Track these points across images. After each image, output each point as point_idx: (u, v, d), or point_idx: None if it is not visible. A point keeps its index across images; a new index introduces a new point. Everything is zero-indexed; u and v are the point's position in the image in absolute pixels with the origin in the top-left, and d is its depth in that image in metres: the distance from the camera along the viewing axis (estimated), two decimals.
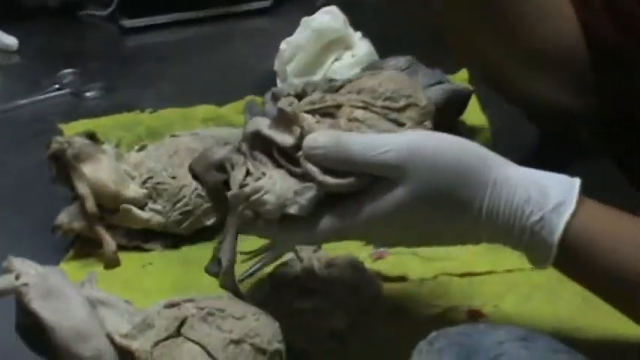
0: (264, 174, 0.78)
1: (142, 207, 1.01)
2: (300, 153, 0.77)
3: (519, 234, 0.74)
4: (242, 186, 0.78)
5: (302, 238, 0.79)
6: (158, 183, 1.02)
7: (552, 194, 0.73)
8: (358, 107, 0.80)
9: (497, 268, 0.93)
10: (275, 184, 0.76)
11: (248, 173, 0.78)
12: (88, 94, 1.40)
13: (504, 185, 0.74)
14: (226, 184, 0.80)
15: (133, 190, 1.01)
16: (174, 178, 1.01)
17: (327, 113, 0.80)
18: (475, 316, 0.87)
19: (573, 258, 0.74)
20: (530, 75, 1.06)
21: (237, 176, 0.78)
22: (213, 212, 1.01)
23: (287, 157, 0.78)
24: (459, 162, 0.74)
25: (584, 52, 1.04)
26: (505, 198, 0.74)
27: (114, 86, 1.42)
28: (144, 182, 1.02)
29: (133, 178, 1.02)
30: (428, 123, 0.82)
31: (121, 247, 1.01)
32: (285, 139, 0.78)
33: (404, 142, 0.75)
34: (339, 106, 0.80)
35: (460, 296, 0.90)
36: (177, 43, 1.58)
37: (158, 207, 1.01)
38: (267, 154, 0.79)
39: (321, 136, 0.76)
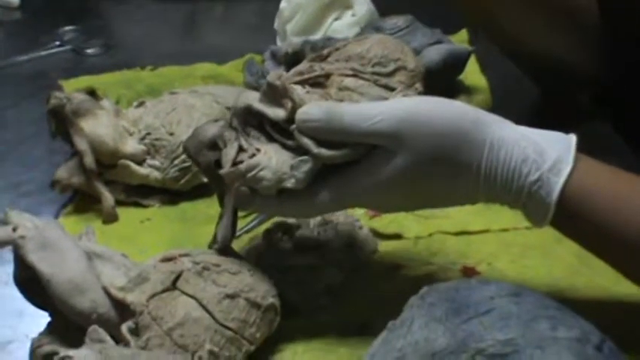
0: (258, 150, 0.77)
1: (140, 163, 1.01)
2: (294, 126, 0.76)
3: (517, 194, 0.74)
4: (236, 163, 0.77)
5: (301, 211, 0.80)
6: (156, 139, 1.02)
7: (549, 153, 0.73)
8: (348, 75, 0.79)
9: (492, 227, 0.93)
10: (271, 160, 0.76)
11: (241, 149, 0.78)
12: (88, 50, 1.40)
13: (501, 146, 0.74)
14: (219, 163, 0.79)
15: (132, 146, 1.01)
16: (172, 134, 1.01)
17: (317, 83, 0.79)
18: (469, 274, 0.88)
19: (571, 216, 0.74)
20: (536, 26, 1.05)
21: (229, 153, 0.78)
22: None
23: (280, 131, 0.78)
24: (455, 125, 0.74)
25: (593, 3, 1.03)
26: (502, 159, 0.73)
27: (115, 43, 1.42)
28: (142, 138, 1.02)
29: (131, 134, 1.02)
30: (419, 85, 0.81)
31: (120, 203, 1.01)
32: (277, 112, 0.77)
33: (397, 109, 0.74)
34: (328, 76, 0.80)
35: (455, 254, 0.90)
36: (178, 1, 1.58)
37: (156, 163, 1.01)
38: (259, 129, 0.79)
39: (313, 109, 0.76)
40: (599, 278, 0.84)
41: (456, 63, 1.17)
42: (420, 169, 0.74)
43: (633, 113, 1.07)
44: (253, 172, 0.77)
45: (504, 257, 0.89)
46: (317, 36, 1.27)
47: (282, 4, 1.33)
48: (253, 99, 0.79)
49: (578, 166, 0.73)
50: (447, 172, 0.75)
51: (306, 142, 0.76)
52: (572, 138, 0.75)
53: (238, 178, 0.77)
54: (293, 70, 0.81)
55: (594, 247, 0.77)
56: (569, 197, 0.73)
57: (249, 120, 0.79)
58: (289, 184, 0.76)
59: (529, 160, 0.73)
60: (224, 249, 0.81)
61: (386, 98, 0.79)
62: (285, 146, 0.77)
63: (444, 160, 0.74)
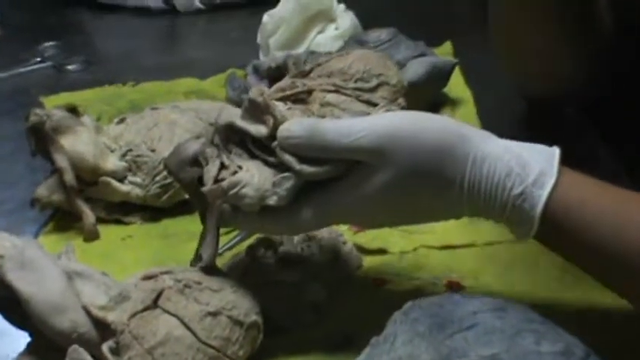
0: (240, 167, 0.77)
1: (121, 180, 1.01)
2: (275, 143, 0.76)
3: (501, 208, 0.73)
4: (218, 180, 0.77)
5: (284, 228, 0.79)
6: (138, 156, 1.01)
7: (532, 166, 0.72)
8: (330, 91, 0.79)
9: (477, 241, 0.93)
10: (253, 177, 0.76)
11: (223, 166, 0.77)
12: (69, 67, 1.40)
13: (485, 160, 0.73)
14: (201, 180, 0.79)
15: (113, 162, 1.01)
16: (153, 151, 1.01)
17: (299, 99, 0.79)
18: (454, 288, 0.87)
19: (555, 230, 0.73)
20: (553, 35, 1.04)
21: (210, 170, 0.77)
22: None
23: (262, 148, 0.77)
24: (437, 140, 0.73)
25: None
26: (486, 173, 0.73)
27: (96, 59, 1.42)
28: (123, 155, 1.01)
29: (112, 151, 1.02)
30: (401, 100, 0.81)
31: (101, 220, 1.01)
32: (259, 129, 0.77)
33: (380, 124, 0.74)
34: (310, 92, 0.79)
35: (440, 269, 0.90)
36: (159, 16, 1.57)
37: (138, 180, 1.01)
38: (241, 146, 0.78)
39: (294, 126, 0.75)
40: (584, 291, 0.84)
41: (440, 75, 1.16)
42: (403, 184, 0.74)
43: (620, 125, 1.07)
44: (235, 190, 0.76)
45: (489, 271, 0.89)
46: (300, 50, 1.27)
47: (265, 18, 1.32)
48: (235, 115, 0.79)
49: (562, 180, 0.73)
50: (430, 187, 0.74)
51: (288, 158, 0.75)
52: (556, 151, 0.74)
53: (220, 195, 0.77)
54: (275, 87, 0.81)
55: (579, 261, 0.76)
56: (553, 210, 0.72)
57: (231, 137, 0.79)
58: (272, 201, 0.76)
59: (513, 174, 0.72)
60: (209, 267, 0.80)
61: (368, 114, 0.78)
62: (267, 163, 0.77)
63: (428, 175, 0.73)
